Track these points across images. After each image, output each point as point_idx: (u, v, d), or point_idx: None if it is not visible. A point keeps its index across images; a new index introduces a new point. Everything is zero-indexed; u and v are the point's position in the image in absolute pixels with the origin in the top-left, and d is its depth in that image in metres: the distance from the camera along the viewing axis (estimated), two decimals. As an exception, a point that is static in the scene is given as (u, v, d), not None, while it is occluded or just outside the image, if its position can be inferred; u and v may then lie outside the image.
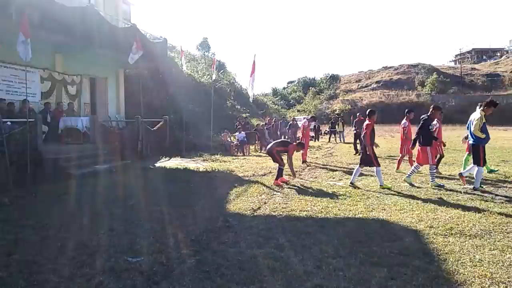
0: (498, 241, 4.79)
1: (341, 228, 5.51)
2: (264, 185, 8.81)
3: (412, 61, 64.26)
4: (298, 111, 50.16)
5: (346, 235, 5.20)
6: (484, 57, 79.00)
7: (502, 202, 6.80)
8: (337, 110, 45.25)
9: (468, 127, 8.15)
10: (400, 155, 11.06)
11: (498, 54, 78.67)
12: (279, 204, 6.97)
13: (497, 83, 51.40)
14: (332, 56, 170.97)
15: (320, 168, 12.04)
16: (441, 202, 6.94)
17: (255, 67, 15.45)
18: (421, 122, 8.47)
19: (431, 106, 8.87)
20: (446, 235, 5.06)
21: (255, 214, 6.40)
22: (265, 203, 7.08)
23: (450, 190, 7.97)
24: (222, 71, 35.34)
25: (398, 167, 10.93)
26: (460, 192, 7.73)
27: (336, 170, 11.23)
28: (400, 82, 53.19)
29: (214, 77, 21.84)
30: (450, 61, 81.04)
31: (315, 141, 24.99)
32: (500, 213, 6.03)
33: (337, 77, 63.54)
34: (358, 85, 57.92)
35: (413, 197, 7.39)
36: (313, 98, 55.07)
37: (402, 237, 5.06)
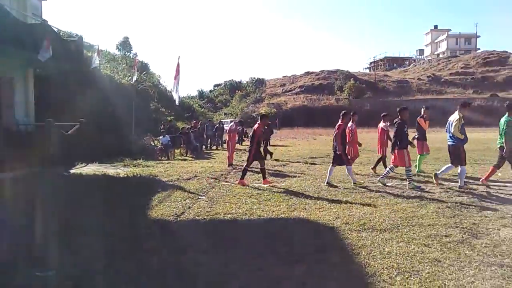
0: (404, 234, 5.21)
1: (264, 229, 5.63)
2: (188, 190, 8.65)
3: (332, 67, 68.21)
4: (225, 114, 50.37)
5: (269, 235, 5.32)
6: (395, 65, 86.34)
7: (408, 198, 7.44)
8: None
9: (447, 129, 8.41)
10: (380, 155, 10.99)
11: (407, 62, 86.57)
12: (204, 208, 6.89)
13: (406, 89, 56.48)
14: (257, 60, 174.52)
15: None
16: (356, 199, 7.39)
17: (179, 69, 15.12)
18: (397, 126, 8.68)
19: (398, 109, 9.05)
20: (360, 230, 5.40)
21: (178, 219, 6.25)
22: (189, 207, 6.95)
23: (364, 187, 8.53)
24: (145, 72, 34.13)
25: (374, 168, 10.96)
26: (373, 190, 8.31)
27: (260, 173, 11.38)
28: (321, 87, 56.06)
29: (135, 78, 21.02)
30: (365, 68, 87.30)
31: (241, 144, 25.20)
32: (407, 208, 6.60)
33: (263, 81, 64.95)
34: (283, 89, 59.84)
35: (335, 195, 7.78)
36: (239, 101, 55.65)
37: (320, 234, 5.30)
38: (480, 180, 8.62)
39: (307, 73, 65.98)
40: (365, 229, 5.46)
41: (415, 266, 4.09)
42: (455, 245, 4.73)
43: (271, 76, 74.03)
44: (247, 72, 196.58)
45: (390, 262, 4.20)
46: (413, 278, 3.82)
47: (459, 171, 8.23)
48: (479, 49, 79.07)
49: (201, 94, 63.82)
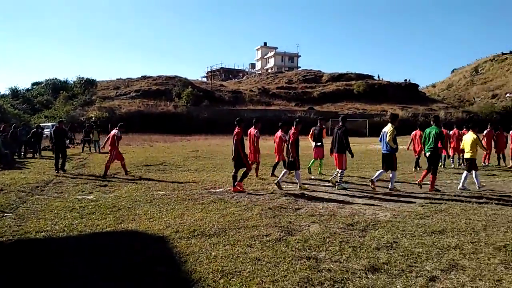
0: (231, 237, 5.48)
1: (86, 246, 5.11)
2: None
3: (170, 73, 67.83)
4: (46, 117, 44.29)
5: (90, 253, 4.85)
6: (230, 75, 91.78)
7: (237, 202, 7.89)
8: (94, 118, 42.55)
9: (381, 139, 9.36)
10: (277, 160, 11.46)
11: (241, 74, 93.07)
12: (10, 227, 5.85)
13: (240, 99, 60.55)
14: (86, 60, 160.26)
15: (71, 179, 10.89)
16: (189, 206, 7.44)
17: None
18: (340, 132, 9.53)
19: (340, 117, 10.11)
20: (189, 237, 5.44)
21: (-28, 244, 5.12)
22: (-10, 228, 5.79)
23: (199, 192, 8.69)
24: None
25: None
26: (212, 193, 8.54)
27: (87, 183, 10.39)
28: (159, 92, 55.06)
29: None
30: (202, 77, 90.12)
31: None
32: (235, 212, 6.97)
33: (93, 82, 59.67)
34: (117, 92, 56.35)
35: (168, 203, 7.65)
36: (65, 103, 49.75)
37: (149, 246, 5.12)
38: (429, 189, 9.29)
39: (144, 77, 63.96)
40: (194, 235, 5.52)
41: (238, 267, 4.32)
42: (273, 243, 5.21)
43: (103, 78, 69.01)
44: (74, 71, 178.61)
45: (216, 266, 4.33)
46: (235, 278, 4.02)
47: (391, 175, 9.32)
48: (300, 67, 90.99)
49: (15, 93, 54.68)
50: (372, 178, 9.44)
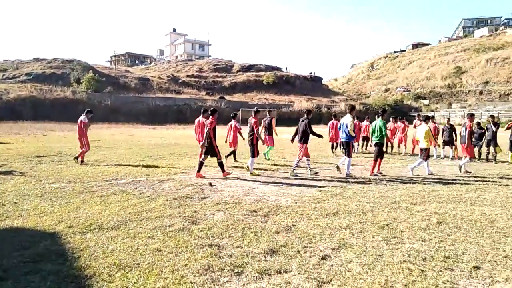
0: (131, 229, 5.27)
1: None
2: None
3: (67, 56, 62.16)
4: None
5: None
6: (136, 61, 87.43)
7: (140, 193, 7.60)
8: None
9: (340, 128, 10.40)
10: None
11: (148, 60, 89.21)
12: None
13: (147, 86, 58.03)
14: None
15: None
16: (86, 199, 6.96)
17: None
18: (304, 123, 10.06)
19: (306, 110, 10.66)
20: (85, 232, 5.09)
21: None
22: None
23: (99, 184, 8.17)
24: None
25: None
26: (113, 185, 8.06)
27: None
28: (54, 76, 50.13)
29: None
30: (106, 61, 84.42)
31: None
32: (137, 204, 6.71)
33: (-26, 63, 52.26)
34: (3, 75, 49.94)
35: (62, 197, 7.04)
36: None
37: (37, 242, 4.68)
38: (370, 174, 10.40)
39: (37, 60, 57.68)
40: (91, 230, 5.19)
41: (137, 259, 4.18)
42: (176, 233, 5.14)
43: (-13, 59, 60.63)
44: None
45: (112, 260, 4.13)
46: (133, 271, 3.89)
47: (346, 162, 10.14)
48: (210, 56, 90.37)
49: None
50: (338, 164, 10.65)
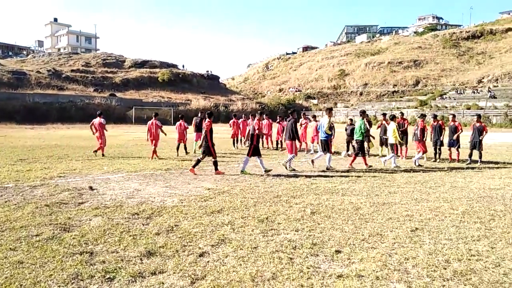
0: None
1: None
2: None
3: None
4: None
5: None
6: (10, 53, 77.46)
7: (6, 201, 6.78)
8: None
9: (318, 128, 12.20)
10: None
11: (25, 52, 79.64)
12: None
13: (23, 81, 51.76)
14: None
15: None
16: None
17: None
18: (290, 122, 11.08)
19: (290, 111, 11.85)
20: None
21: None
22: None
23: None
24: None
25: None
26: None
27: None
28: None
29: None
30: (-29, 51, 73.14)
31: None
32: (0, 213, 5.97)
33: None
34: None
35: None
36: None
37: None
38: (348, 166, 11.58)
39: None
40: None
41: (-9, 276, 3.73)
42: (43, 242, 4.71)
43: None
44: None
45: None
46: (-16, 290, 3.46)
47: (327, 157, 11.39)
48: (99, 49, 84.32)
49: None
50: (313, 159, 11.75)
